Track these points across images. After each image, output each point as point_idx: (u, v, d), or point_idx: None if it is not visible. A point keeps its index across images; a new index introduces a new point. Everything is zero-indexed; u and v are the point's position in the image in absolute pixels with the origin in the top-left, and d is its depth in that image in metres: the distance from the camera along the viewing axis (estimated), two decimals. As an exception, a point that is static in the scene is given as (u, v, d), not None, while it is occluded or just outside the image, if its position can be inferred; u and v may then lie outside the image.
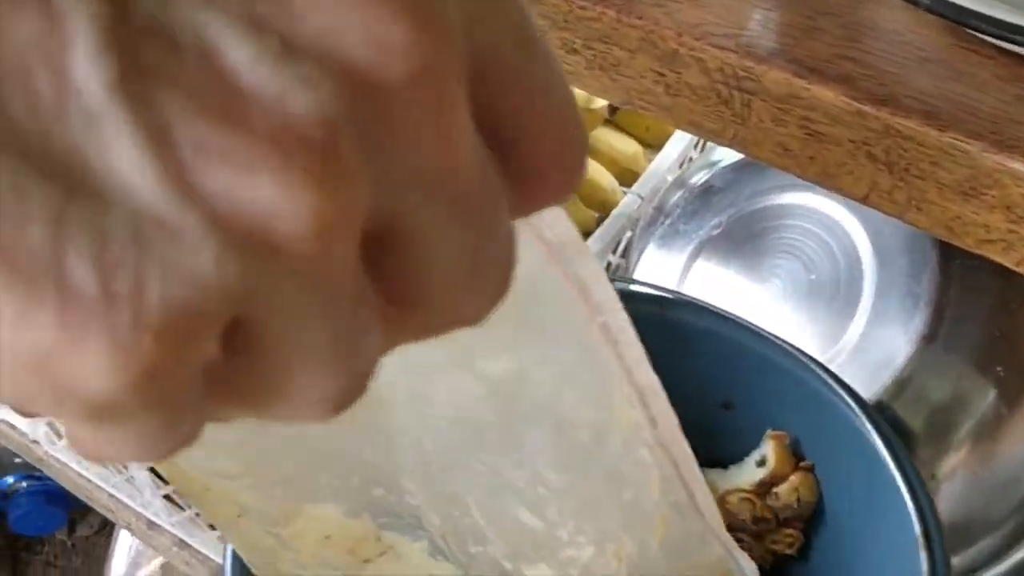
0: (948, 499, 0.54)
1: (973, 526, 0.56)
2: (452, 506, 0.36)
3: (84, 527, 1.47)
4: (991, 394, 0.52)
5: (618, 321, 0.30)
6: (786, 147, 0.43)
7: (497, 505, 0.35)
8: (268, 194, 0.14)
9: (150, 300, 0.14)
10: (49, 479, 1.37)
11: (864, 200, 0.42)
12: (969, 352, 0.52)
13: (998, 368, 0.52)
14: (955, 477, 0.54)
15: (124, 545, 1.22)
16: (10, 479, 1.36)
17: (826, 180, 0.42)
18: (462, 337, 0.26)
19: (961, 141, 0.37)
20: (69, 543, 1.47)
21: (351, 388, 0.17)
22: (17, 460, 1.43)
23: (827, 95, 0.39)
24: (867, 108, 0.38)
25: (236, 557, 0.41)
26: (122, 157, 0.13)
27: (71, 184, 0.13)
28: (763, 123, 0.42)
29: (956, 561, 0.57)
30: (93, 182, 0.13)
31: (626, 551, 0.36)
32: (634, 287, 0.51)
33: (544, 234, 0.27)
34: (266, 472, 0.34)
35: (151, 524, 0.73)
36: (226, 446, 0.32)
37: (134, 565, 1.21)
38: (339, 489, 0.35)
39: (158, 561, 1.23)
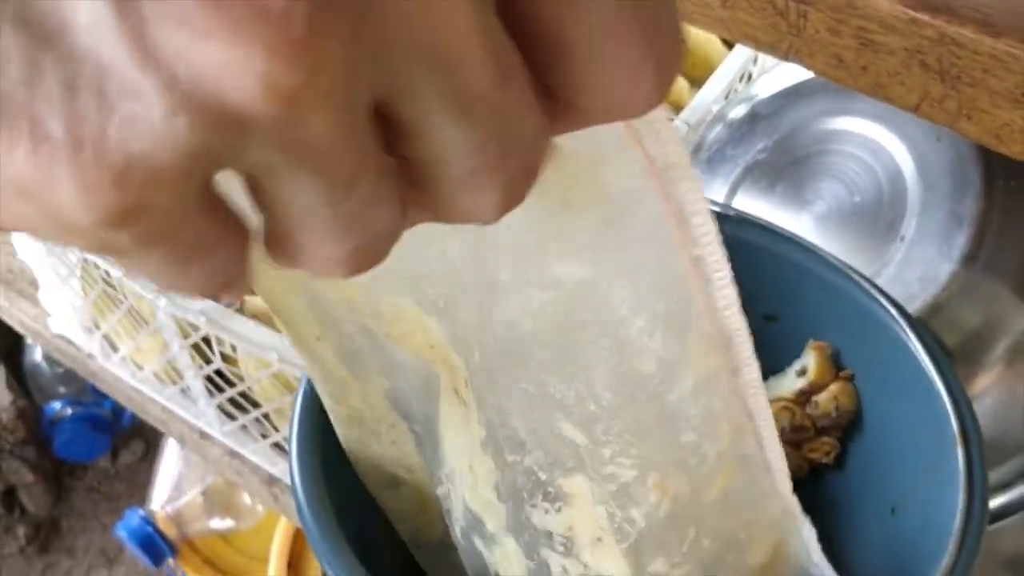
0: (981, 417, 0.55)
1: (1005, 444, 0.57)
2: (494, 414, 0.35)
3: (127, 454, 1.51)
4: (1029, 314, 0.54)
5: (714, 258, 0.28)
6: (840, 58, 0.44)
7: (540, 418, 0.34)
8: (220, 60, 0.15)
9: (110, 146, 0.15)
10: (94, 405, 1.41)
11: (915, 110, 0.43)
12: (1008, 274, 0.54)
13: (1037, 287, 0.53)
14: (987, 396, 0.56)
15: (167, 473, 1.26)
16: (56, 405, 1.40)
17: (878, 90, 0.43)
18: (535, 232, 0.27)
19: (1014, 47, 0.38)
20: (112, 470, 1.51)
21: (360, 253, 0.19)
22: (62, 389, 1.47)
23: (883, 4, 0.40)
24: (922, 16, 0.39)
25: (310, 388, 0.43)
26: (90, 14, 0.15)
27: (45, 36, 0.15)
28: (818, 34, 0.43)
29: (990, 478, 0.59)
30: (65, 37, 0.15)
31: (672, 488, 0.34)
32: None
33: (649, 150, 0.25)
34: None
35: (203, 434, 0.75)
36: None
37: (177, 490, 1.25)
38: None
39: (199, 488, 1.26)
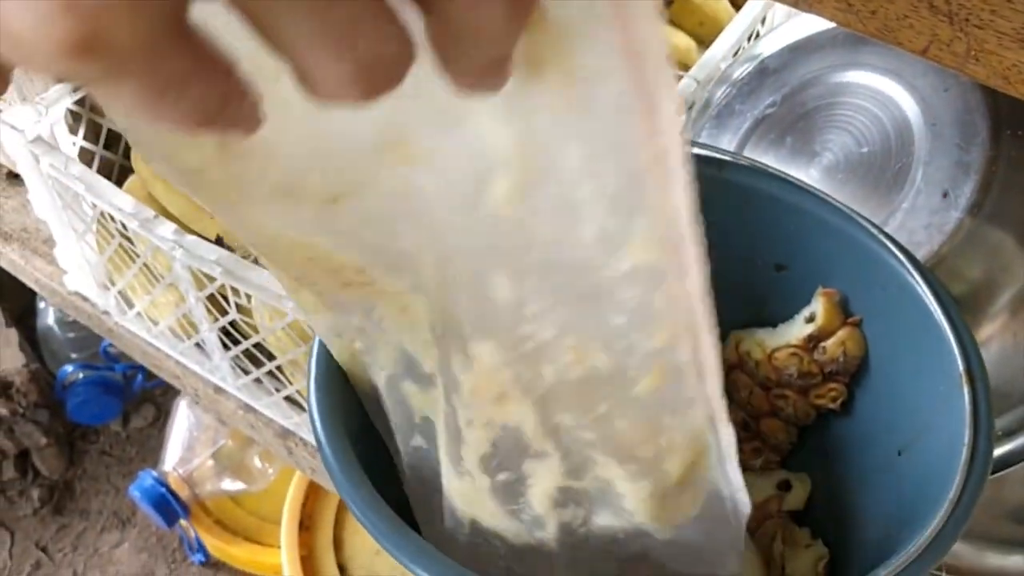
0: (986, 366, 0.57)
1: (1009, 393, 0.58)
2: (440, 256, 0.34)
3: (138, 419, 1.52)
4: (1034, 263, 0.54)
5: (676, 153, 0.28)
6: (849, 2, 0.44)
7: (477, 270, 0.33)
8: None
9: None
10: (106, 370, 1.43)
11: (923, 53, 0.43)
12: (1013, 223, 0.54)
13: (1043, 235, 0.53)
14: (991, 345, 0.56)
15: (178, 436, 1.27)
16: (69, 368, 1.41)
17: (886, 34, 0.44)
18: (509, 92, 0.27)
19: (1021, -12, 0.38)
20: (124, 434, 1.52)
21: (367, 72, 0.19)
22: (74, 355, 1.48)
23: (892, -53, 0.41)
24: (931, -42, 0.40)
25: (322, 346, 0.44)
26: None
27: None
28: (828, -21, 0.44)
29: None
30: None
31: (590, 358, 0.34)
32: (692, 149, 0.53)
33: (630, 30, 0.25)
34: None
35: (217, 389, 0.77)
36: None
37: (188, 453, 1.26)
38: (328, 228, 0.34)
39: (210, 450, 1.28)
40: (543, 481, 0.40)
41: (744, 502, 0.40)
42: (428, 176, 0.30)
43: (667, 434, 0.37)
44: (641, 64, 0.26)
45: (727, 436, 0.38)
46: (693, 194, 0.29)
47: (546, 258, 0.32)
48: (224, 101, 0.19)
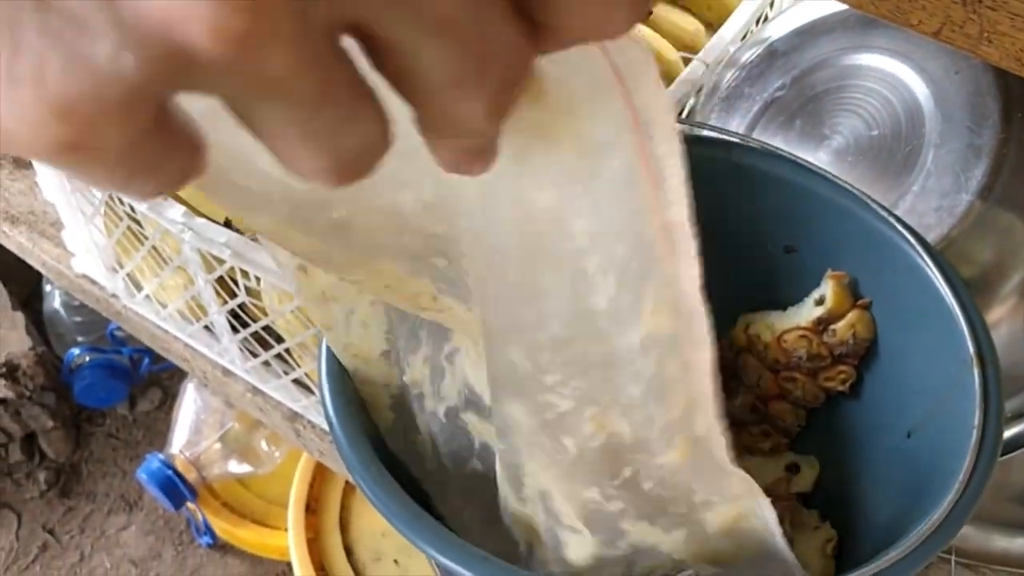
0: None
1: (1017, 376, 0.58)
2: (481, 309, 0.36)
3: (145, 402, 1.53)
4: (1044, 246, 0.54)
5: (683, 228, 0.28)
6: (862, -16, 0.44)
7: (498, 335, 0.34)
8: (167, 4, 0.15)
9: (53, 83, 0.16)
10: (113, 353, 1.43)
11: (936, 35, 0.43)
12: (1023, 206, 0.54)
13: (1053, 218, 0.53)
14: (1001, 328, 0.56)
15: (185, 419, 1.28)
16: (76, 351, 1.42)
17: (898, 16, 0.44)
18: (507, 159, 0.27)
19: (1036, -32, 0.38)
20: (130, 417, 1.53)
21: (343, 165, 0.20)
22: (80, 338, 1.48)
23: (906, -73, 0.40)
24: (945, -62, 0.40)
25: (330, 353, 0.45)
26: None
27: None
28: (841, -40, 0.43)
29: (1000, 410, 0.60)
30: None
31: (611, 426, 0.34)
32: (702, 132, 0.53)
33: (637, 102, 0.26)
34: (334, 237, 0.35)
35: (226, 371, 0.77)
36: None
37: (195, 435, 1.27)
38: (401, 250, 0.36)
39: (217, 433, 1.28)
40: (578, 549, 0.40)
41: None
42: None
43: (700, 495, 0.37)
44: (648, 134, 0.26)
45: (770, 512, 0.38)
46: (699, 266, 0.29)
47: (560, 332, 0.32)
48: (184, 175, 0.20)
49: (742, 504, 0.38)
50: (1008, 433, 0.60)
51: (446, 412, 0.45)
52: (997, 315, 0.56)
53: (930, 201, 0.55)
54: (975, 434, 0.40)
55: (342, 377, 0.45)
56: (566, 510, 0.39)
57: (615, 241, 0.28)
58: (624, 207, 0.27)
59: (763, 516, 0.38)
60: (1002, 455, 0.61)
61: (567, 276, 0.30)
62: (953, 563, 0.63)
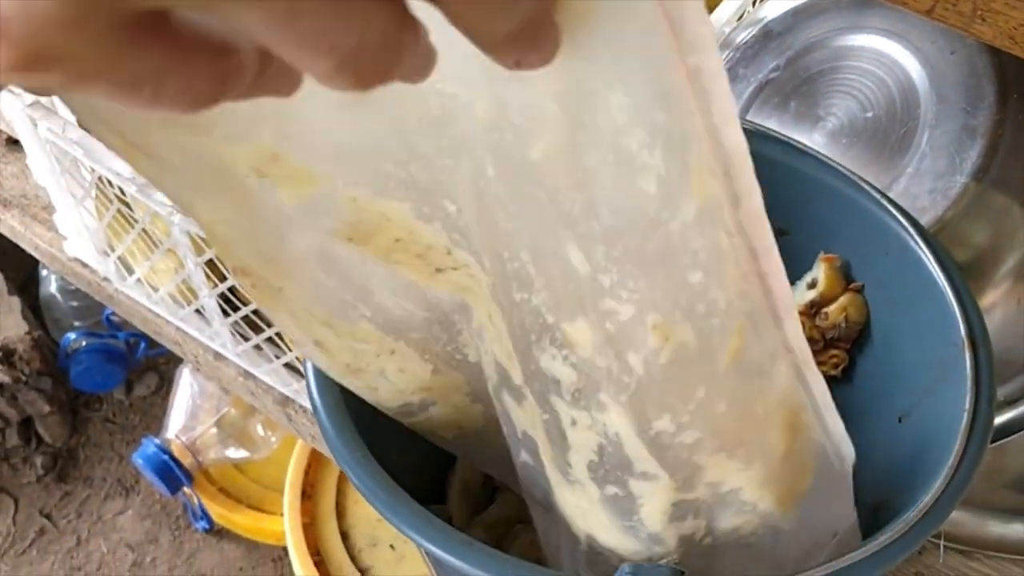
0: (989, 333, 0.56)
1: (1012, 360, 0.57)
2: (502, 246, 0.34)
3: (141, 387, 1.53)
4: (1039, 228, 0.54)
5: (711, 65, 0.25)
6: (855, -38, 0.43)
7: (548, 244, 0.32)
8: None
9: None
10: (109, 337, 1.43)
11: (928, 13, 0.43)
12: (1019, 188, 0.54)
13: (1048, 200, 0.53)
14: (996, 311, 0.56)
15: (181, 404, 1.28)
16: (72, 336, 1.41)
17: (892, -6, 0.43)
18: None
19: (1030, -56, 0.37)
20: (127, 402, 1.53)
21: (344, 65, 0.19)
22: (77, 323, 1.48)
23: (899, -97, 0.40)
24: (938, -86, 0.39)
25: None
26: None
27: None
28: (833, -63, 0.43)
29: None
30: None
31: (675, 336, 0.32)
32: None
33: None
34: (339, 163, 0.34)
35: (217, 355, 0.76)
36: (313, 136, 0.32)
37: (191, 420, 1.26)
38: (410, 186, 0.34)
39: (213, 418, 1.28)
40: (653, 500, 0.37)
41: (848, 450, 0.38)
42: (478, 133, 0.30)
43: (762, 400, 0.35)
44: None
45: (818, 384, 0.35)
46: (733, 104, 0.27)
47: (612, 222, 0.30)
48: (222, 80, 0.19)
49: (795, 397, 0.35)
50: (1003, 418, 0.60)
51: (493, 391, 0.43)
52: (992, 298, 0.56)
53: (924, 183, 0.54)
54: (965, 419, 0.40)
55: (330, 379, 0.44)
56: (639, 451, 0.36)
57: (653, 108, 0.26)
58: (650, 63, 0.26)
59: (813, 400, 0.36)
60: (998, 440, 0.61)
61: (611, 157, 0.28)
62: (942, 548, 0.62)
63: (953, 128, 0.54)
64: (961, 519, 0.66)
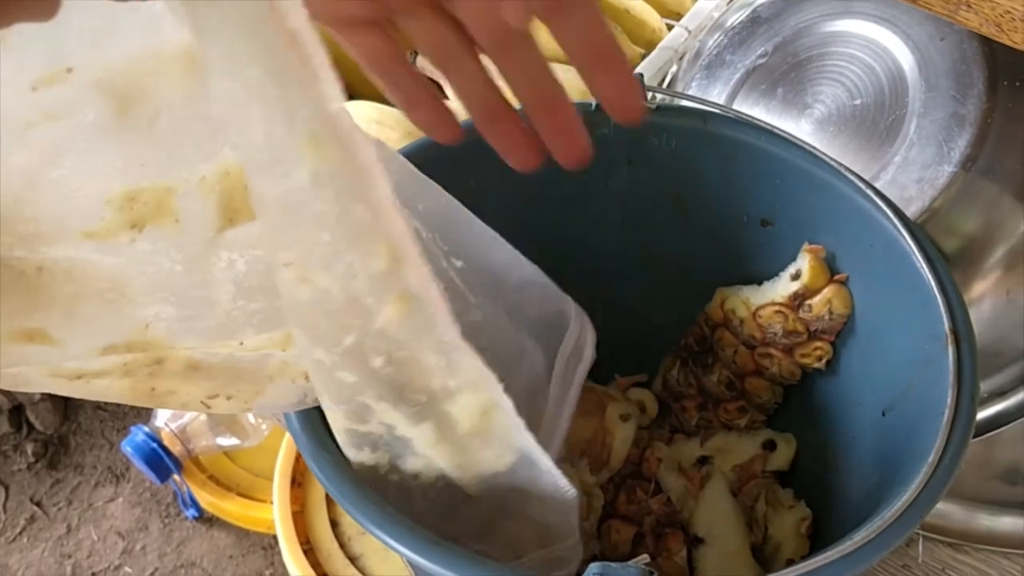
0: (977, 323, 0.55)
1: (1003, 351, 0.57)
2: None
3: (132, 374, 1.52)
4: (1028, 219, 0.53)
5: (310, 37, 0.27)
6: (838, -55, 0.42)
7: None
8: None
9: None
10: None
11: (915, 0, 0.42)
12: (1008, 177, 0.53)
13: (1037, 190, 0.52)
14: (985, 302, 0.55)
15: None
16: (61, 323, 1.40)
17: (877, -20, 0.42)
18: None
19: (1016, -72, 0.36)
20: (118, 389, 1.52)
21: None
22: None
23: None
24: (923, -103, 0.38)
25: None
26: None
27: None
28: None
29: (985, 385, 0.58)
30: None
31: (314, 280, 0.33)
32: (678, 101, 0.52)
33: None
34: None
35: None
36: None
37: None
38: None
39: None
40: (335, 419, 0.39)
41: (565, 484, 0.39)
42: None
43: (437, 377, 0.36)
44: None
45: (506, 401, 0.37)
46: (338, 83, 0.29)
47: (209, 170, 0.33)
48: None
49: (485, 395, 0.37)
50: (992, 410, 0.59)
51: None
52: (980, 289, 0.55)
53: (912, 172, 0.53)
54: (947, 414, 0.39)
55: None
56: (303, 363, 0.38)
57: (249, 63, 0.27)
58: (247, 19, 0.27)
59: (507, 409, 0.37)
60: (986, 432, 0.60)
61: (221, 113, 0.29)
62: (921, 543, 0.62)
63: (942, 116, 0.53)
64: (949, 512, 0.66)
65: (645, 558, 0.35)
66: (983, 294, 0.55)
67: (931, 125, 0.53)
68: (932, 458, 0.38)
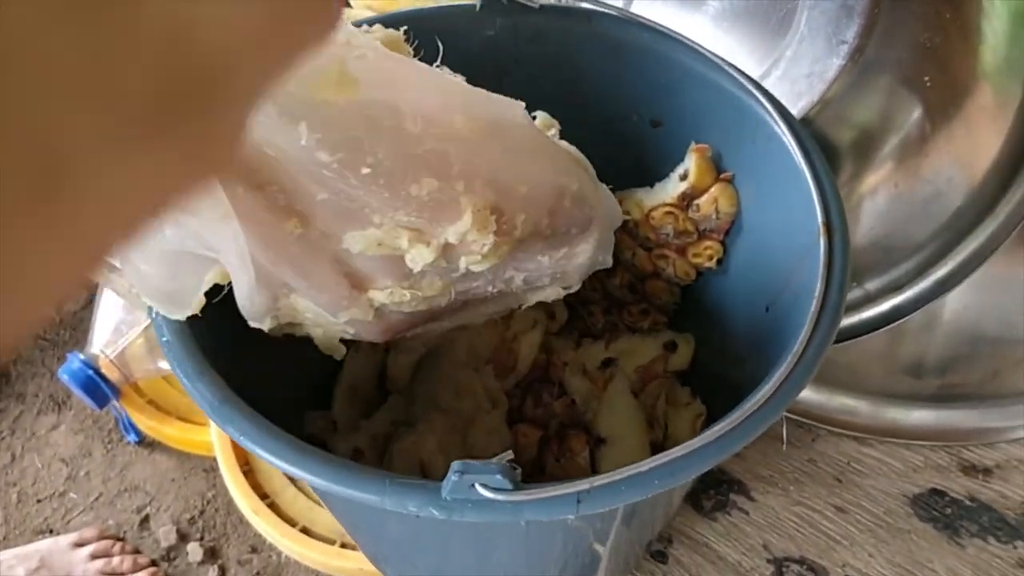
0: (871, 216, 0.55)
1: (896, 246, 0.57)
2: None
3: (70, 302, 1.50)
4: (917, 110, 0.52)
5: None
6: None
7: None
8: None
9: None
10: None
11: None
12: (898, 66, 0.52)
13: (925, 79, 0.52)
14: (878, 194, 0.55)
15: (106, 317, 1.25)
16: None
17: None
18: None
19: None
20: (56, 317, 1.50)
21: None
22: None
23: None
24: None
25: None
26: None
27: None
28: None
29: (880, 281, 0.59)
30: None
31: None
32: (564, 1, 0.51)
33: None
34: None
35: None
36: None
37: (117, 334, 1.24)
38: None
39: (138, 330, 1.26)
40: None
41: None
42: None
43: None
44: None
45: None
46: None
47: None
48: None
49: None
50: (888, 304, 0.59)
51: None
52: (873, 182, 0.55)
53: (802, 67, 0.53)
54: (814, 304, 0.39)
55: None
56: None
57: None
58: None
59: None
60: (884, 326, 0.61)
61: None
62: (785, 434, 0.63)
63: (832, 7, 0.52)
64: (857, 407, 0.67)
65: (509, 454, 0.36)
66: (876, 187, 0.55)
67: (821, 16, 0.53)
68: (797, 348, 0.38)
